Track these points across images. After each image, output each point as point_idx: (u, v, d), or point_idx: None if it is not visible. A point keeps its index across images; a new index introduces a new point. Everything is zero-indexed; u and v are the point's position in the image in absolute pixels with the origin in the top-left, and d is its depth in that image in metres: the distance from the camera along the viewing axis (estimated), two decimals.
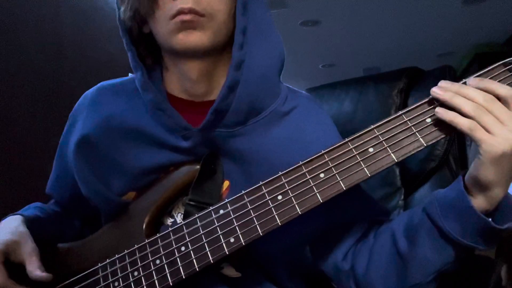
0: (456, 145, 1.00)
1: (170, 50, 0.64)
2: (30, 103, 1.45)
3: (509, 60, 0.55)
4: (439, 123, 0.54)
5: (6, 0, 1.37)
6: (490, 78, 0.55)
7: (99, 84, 0.74)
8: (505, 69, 0.55)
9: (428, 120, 0.55)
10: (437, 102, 0.55)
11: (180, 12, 0.59)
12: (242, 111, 0.64)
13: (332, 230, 0.68)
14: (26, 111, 1.43)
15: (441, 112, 0.53)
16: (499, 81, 0.54)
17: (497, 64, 0.56)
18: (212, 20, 0.61)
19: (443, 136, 0.54)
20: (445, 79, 0.99)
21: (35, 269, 0.60)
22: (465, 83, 0.54)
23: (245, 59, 0.63)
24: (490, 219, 0.52)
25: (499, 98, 0.51)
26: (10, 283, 0.60)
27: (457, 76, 1.01)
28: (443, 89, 0.53)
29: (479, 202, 0.53)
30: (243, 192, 0.58)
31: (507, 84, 0.54)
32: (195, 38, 0.60)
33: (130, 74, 0.74)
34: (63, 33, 1.62)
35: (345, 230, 0.68)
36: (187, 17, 0.59)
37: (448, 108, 0.53)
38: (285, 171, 0.57)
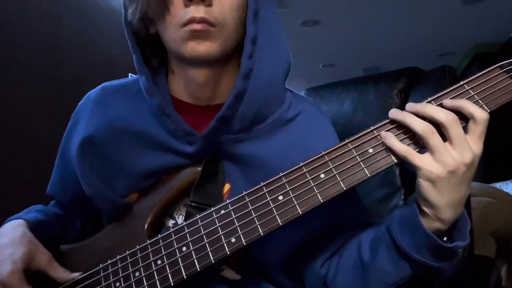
0: None
1: (179, 56, 0.63)
2: (30, 103, 1.45)
3: (506, 63, 0.56)
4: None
5: (6, 0, 1.37)
6: (487, 80, 0.56)
7: (102, 85, 0.74)
8: (502, 71, 0.56)
9: None
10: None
11: (192, 20, 0.58)
12: (248, 119, 0.64)
13: (321, 236, 0.69)
14: (26, 111, 1.43)
15: (383, 136, 0.55)
16: (496, 83, 0.55)
17: (493, 66, 0.56)
18: (222, 29, 0.60)
19: None
20: (445, 79, 1.01)
21: (63, 274, 0.62)
22: (440, 104, 0.55)
23: (254, 68, 0.63)
24: (444, 238, 0.54)
25: (470, 117, 0.53)
26: None
27: (457, 76, 1.01)
28: (400, 111, 0.56)
29: (430, 221, 0.54)
30: (244, 192, 0.58)
31: (505, 86, 0.55)
32: (205, 48, 0.59)
33: (130, 75, 0.73)
34: (63, 33, 1.62)
35: (330, 238, 0.69)
36: (198, 26, 0.58)
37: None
38: (286, 172, 0.57)
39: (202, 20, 0.58)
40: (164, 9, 0.60)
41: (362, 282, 0.61)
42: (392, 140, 0.54)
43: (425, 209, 0.54)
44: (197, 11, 0.58)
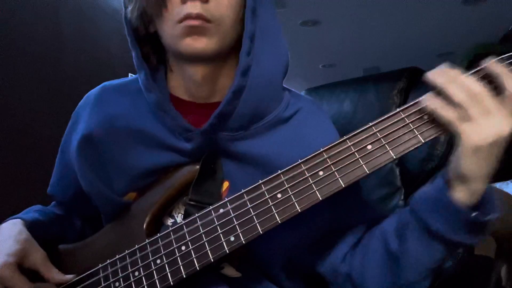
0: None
1: (176, 53, 0.64)
2: (30, 103, 1.45)
3: (504, 57, 0.56)
4: (437, 120, 0.54)
5: (6, 0, 1.37)
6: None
7: (102, 84, 0.74)
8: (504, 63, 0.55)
9: (426, 117, 0.55)
10: None
11: (188, 16, 0.58)
12: (246, 116, 0.64)
13: (333, 233, 0.69)
14: (26, 111, 1.43)
15: (428, 98, 0.54)
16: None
17: (493, 60, 0.56)
18: (219, 26, 0.60)
19: (440, 132, 0.54)
20: None
21: (55, 274, 0.62)
22: (476, 71, 0.54)
23: (252, 65, 0.63)
24: (476, 213, 0.53)
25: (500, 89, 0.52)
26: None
27: None
28: (439, 74, 0.54)
29: (460, 195, 0.53)
30: (242, 191, 0.58)
31: None
32: (202, 44, 0.60)
33: (130, 74, 0.74)
34: (63, 32, 1.62)
35: (344, 232, 0.69)
36: (195, 22, 0.58)
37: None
38: (284, 170, 0.57)
39: (198, 16, 0.58)
40: (161, 5, 0.61)
41: (394, 273, 0.60)
42: (437, 104, 0.53)
43: (457, 183, 0.53)
44: (194, 7, 0.58)
